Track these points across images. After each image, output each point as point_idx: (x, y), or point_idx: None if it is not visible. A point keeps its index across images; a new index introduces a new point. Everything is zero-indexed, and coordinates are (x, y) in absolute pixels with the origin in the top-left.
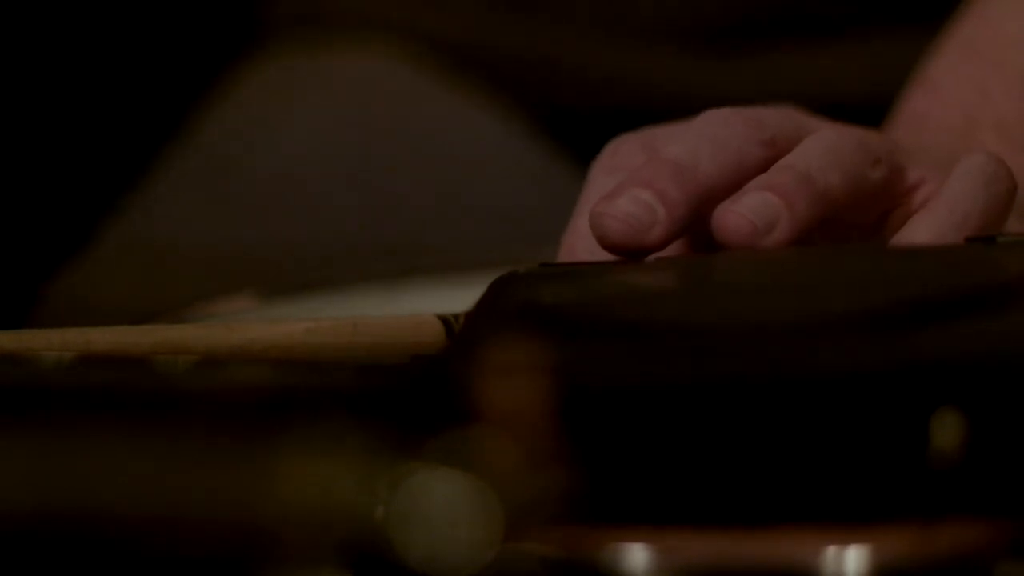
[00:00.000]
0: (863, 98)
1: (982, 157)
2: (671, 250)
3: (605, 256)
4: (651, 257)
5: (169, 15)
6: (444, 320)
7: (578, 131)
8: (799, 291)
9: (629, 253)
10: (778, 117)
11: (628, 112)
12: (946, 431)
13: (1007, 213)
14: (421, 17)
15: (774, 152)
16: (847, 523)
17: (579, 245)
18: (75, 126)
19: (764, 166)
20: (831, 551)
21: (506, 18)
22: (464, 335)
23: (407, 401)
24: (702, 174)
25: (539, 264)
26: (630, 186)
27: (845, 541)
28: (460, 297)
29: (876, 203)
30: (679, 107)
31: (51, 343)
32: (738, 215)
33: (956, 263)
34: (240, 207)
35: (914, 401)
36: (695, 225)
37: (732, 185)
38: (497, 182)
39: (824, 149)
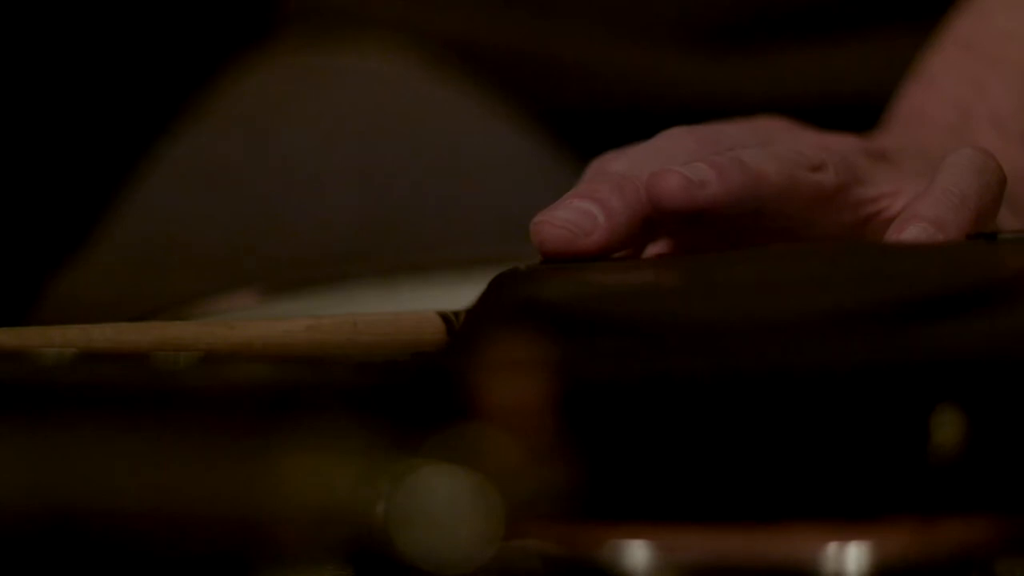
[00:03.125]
0: (864, 98)
1: (971, 150)
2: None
3: None
4: (650, 255)
5: (174, 11)
6: (445, 317)
7: (582, 129)
8: (800, 287)
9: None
10: (740, 134)
11: (631, 111)
12: (946, 427)
13: (998, 204)
14: (426, 15)
15: None
16: (847, 520)
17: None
18: (76, 121)
19: None
20: (831, 548)
21: (511, 17)
22: (465, 332)
23: (408, 398)
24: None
25: (540, 261)
26: (572, 197)
27: (845, 538)
28: (461, 294)
29: (836, 212)
30: (682, 106)
31: (52, 340)
32: (673, 172)
33: (957, 260)
34: (242, 204)
35: (914, 397)
36: (647, 237)
37: None
38: (500, 180)
39: (762, 151)
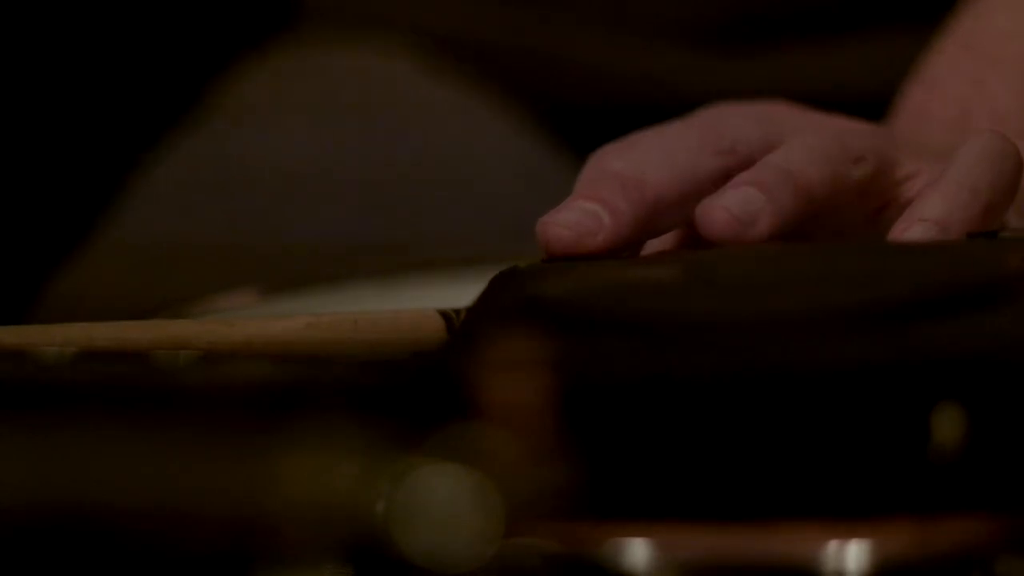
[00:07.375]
0: (865, 96)
1: (988, 135)
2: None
3: None
4: (651, 253)
5: (177, 11)
6: (445, 315)
7: (582, 128)
8: (801, 286)
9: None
10: (744, 125)
11: (632, 109)
12: (947, 426)
13: (1015, 190)
14: (425, 13)
15: (734, 160)
16: (848, 518)
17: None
18: (77, 120)
19: (723, 174)
20: (832, 546)
21: (512, 16)
22: (465, 330)
23: (408, 396)
24: (649, 186)
25: (540, 259)
26: (576, 198)
27: (846, 536)
28: (461, 293)
29: (864, 201)
30: (683, 104)
31: (53, 339)
32: (721, 208)
33: (959, 259)
34: (241, 202)
35: (915, 396)
36: (651, 234)
37: (685, 195)
38: (499, 178)
39: (806, 148)
